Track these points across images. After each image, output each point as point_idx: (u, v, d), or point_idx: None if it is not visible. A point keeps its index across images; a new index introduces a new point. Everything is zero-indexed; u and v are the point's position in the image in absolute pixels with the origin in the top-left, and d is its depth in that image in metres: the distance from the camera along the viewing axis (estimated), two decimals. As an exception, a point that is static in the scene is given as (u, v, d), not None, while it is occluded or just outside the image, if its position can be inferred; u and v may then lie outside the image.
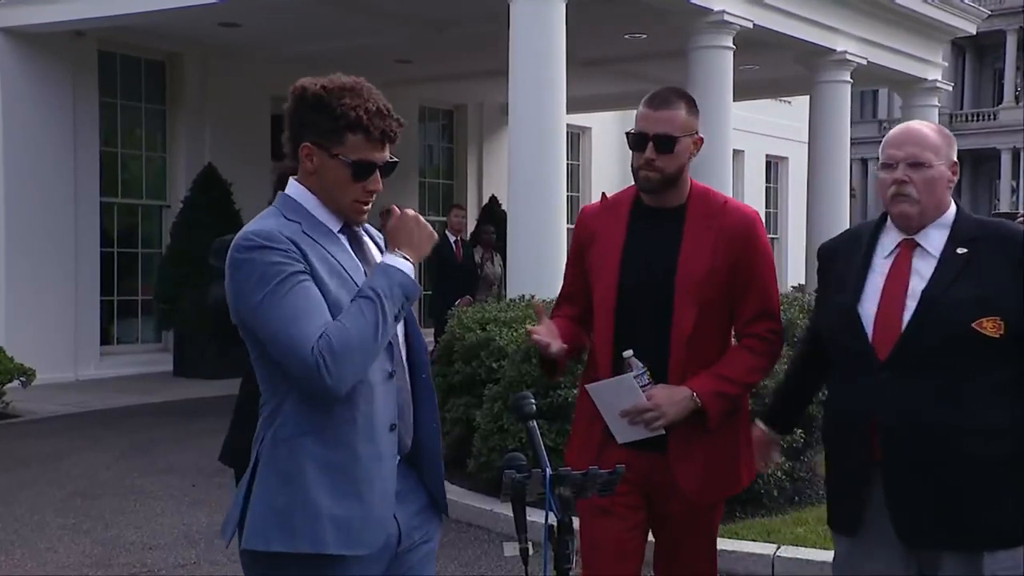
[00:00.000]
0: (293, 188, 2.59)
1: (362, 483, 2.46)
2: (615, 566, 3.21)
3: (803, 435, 6.43)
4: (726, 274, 3.18)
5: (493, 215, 15.28)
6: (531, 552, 2.40)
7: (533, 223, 9.20)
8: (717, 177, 11.19)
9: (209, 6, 11.31)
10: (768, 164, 24.25)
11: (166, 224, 14.05)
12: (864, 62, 13.68)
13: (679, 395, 3.13)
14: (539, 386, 6.04)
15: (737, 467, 3.32)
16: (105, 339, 13.71)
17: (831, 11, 12.98)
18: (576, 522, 2.52)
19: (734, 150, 12.70)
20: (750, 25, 11.48)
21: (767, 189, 24.29)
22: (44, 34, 12.43)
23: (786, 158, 24.25)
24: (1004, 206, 42.18)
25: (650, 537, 3.37)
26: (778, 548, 5.68)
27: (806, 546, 5.65)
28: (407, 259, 2.54)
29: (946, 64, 16.79)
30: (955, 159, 2.99)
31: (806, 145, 14.75)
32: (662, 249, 3.21)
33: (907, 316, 2.86)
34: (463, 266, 11.72)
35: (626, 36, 13.31)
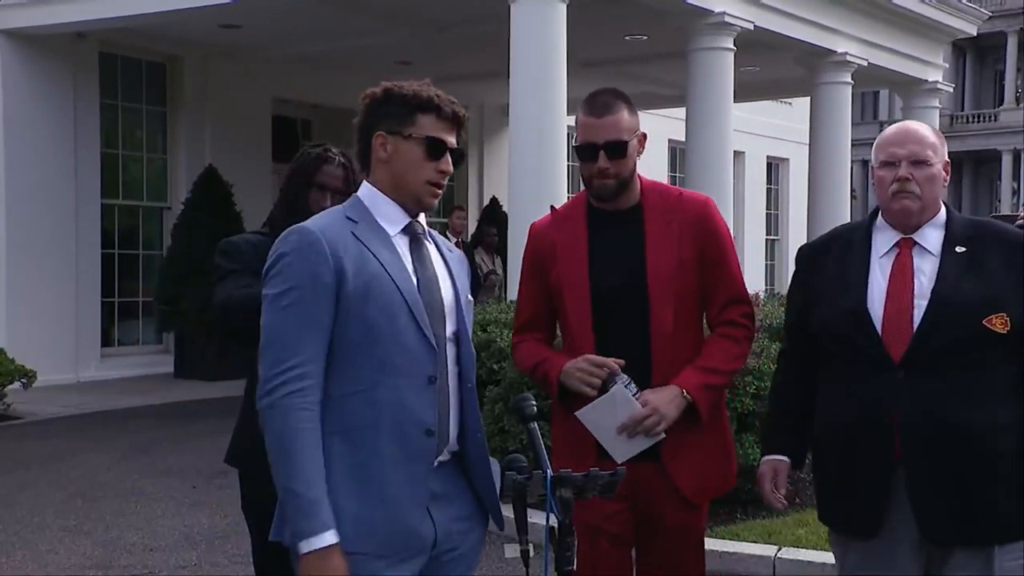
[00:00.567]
0: (363, 189, 2.63)
1: (387, 484, 2.46)
2: None
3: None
4: (695, 265, 3.18)
5: (494, 216, 15.26)
6: (532, 554, 2.40)
7: (534, 224, 9.19)
8: (718, 179, 11.23)
9: (210, 8, 11.32)
10: (769, 165, 24.23)
11: (167, 225, 14.04)
12: (865, 63, 13.69)
13: (671, 395, 3.12)
14: (540, 388, 6.02)
15: (729, 460, 3.33)
16: (106, 341, 13.71)
17: (832, 12, 12.99)
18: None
19: (735, 152, 12.70)
20: (751, 26, 11.49)
21: (768, 190, 24.27)
22: (45, 36, 12.44)
23: (787, 159, 24.23)
24: (1005, 208, 42.09)
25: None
26: (779, 549, 5.67)
27: (807, 547, 5.64)
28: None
29: (947, 65, 16.80)
30: (947, 159, 3.04)
31: (807, 146, 14.75)
32: (627, 251, 3.19)
33: (918, 315, 2.88)
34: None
35: (626, 37, 13.31)
